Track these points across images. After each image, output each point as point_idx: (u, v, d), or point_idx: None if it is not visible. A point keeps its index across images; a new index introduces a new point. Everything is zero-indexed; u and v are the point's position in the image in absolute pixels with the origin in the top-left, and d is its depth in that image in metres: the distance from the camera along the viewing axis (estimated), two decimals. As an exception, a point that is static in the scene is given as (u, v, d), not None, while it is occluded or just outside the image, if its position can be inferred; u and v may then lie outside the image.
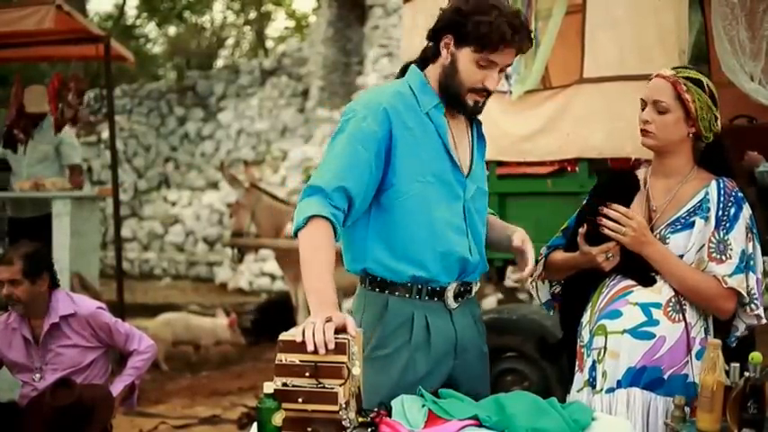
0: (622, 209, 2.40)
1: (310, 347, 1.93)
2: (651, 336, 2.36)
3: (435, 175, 2.32)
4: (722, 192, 2.40)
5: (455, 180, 2.36)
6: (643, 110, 2.47)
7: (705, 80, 2.43)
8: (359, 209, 2.27)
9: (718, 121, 2.44)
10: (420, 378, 2.32)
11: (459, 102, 2.32)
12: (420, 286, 2.35)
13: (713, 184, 2.41)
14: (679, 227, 2.42)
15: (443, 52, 2.31)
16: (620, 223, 2.39)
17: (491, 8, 2.24)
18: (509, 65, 2.33)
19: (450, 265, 2.36)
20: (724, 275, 2.33)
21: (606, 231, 2.40)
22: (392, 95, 2.33)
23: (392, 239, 2.33)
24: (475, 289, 2.49)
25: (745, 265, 2.35)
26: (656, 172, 2.52)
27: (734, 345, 2.40)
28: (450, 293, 2.39)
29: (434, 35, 2.34)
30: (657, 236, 2.42)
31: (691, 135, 2.43)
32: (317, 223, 2.15)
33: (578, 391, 2.50)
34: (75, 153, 6.38)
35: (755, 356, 2.07)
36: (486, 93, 2.32)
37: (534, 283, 2.71)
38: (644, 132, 2.46)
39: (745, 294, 2.34)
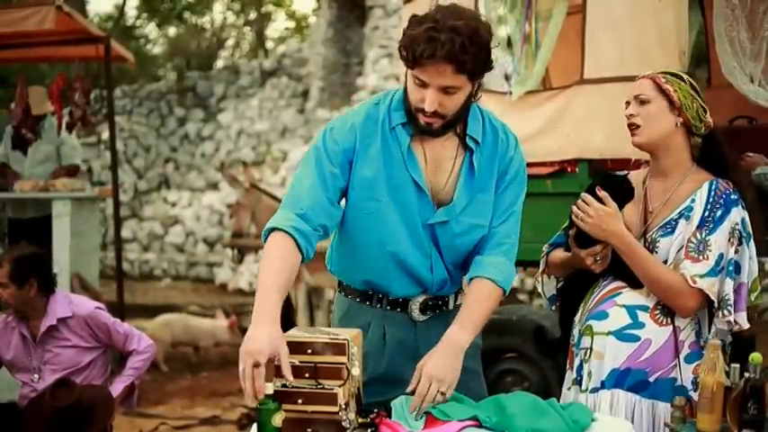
0: (586, 195, 2.40)
1: (249, 401, 1.87)
2: (636, 338, 2.36)
3: (391, 194, 2.24)
4: (713, 193, 2.37)
5: (417, 200, 2.25)
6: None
7: (684, 75, 2.45)
8: (334, 218, 2.25)
9: (707, 113, 2.42)
10: (371, 383, 2.25)
11: (414, 122, 2.20)
12: (381, 295, 2.33)
13: (705, 185, 2.39)
14: (669, 230, 2.40)
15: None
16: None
17: (427, 22, 2.06)
18: (449, 86, 2.11)
19: (402, 273, 2.29)
20: (694, 275, 2.30)
21: (573, 218, 2.41)
22: (366, 113, 2.29)
23: (346, 248, 2.35)
24: (453, 302, 2.38)
25: (721, 270, 2.32)
26: (654, 173, 2.50)
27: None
28: (415, 306, 2.33)
29: None
30: (649, 239, 2.41)
31: (679, 125, 2.40)
32: (274, 236, 2.14)
33: (567, 389, 2.51)
34: (76, 153, 6.38)
35: (755, 357, 2.06)
36: (436, 114, 2.14)
37: (540, 278, 2.71)
38: (632, 129, 2.44)
39: (715, 299, 2.31)
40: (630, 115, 2.43)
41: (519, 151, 2.39)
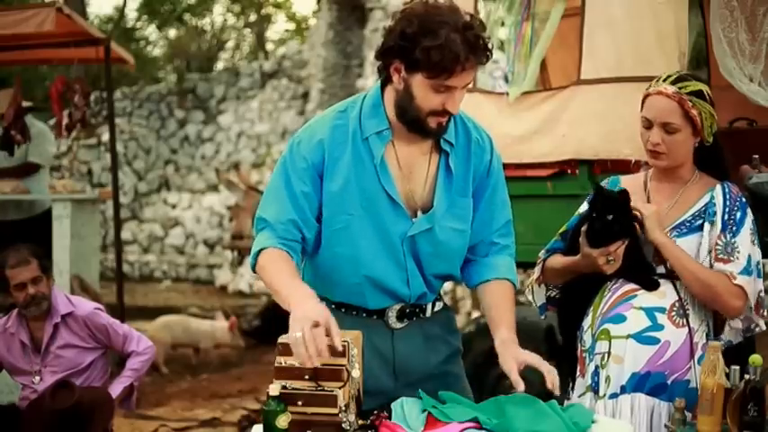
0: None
1: (307, 363, 1.88)
2: (656, 341, 2.34)
3: (364, 207, 2.18)
4: (728, 196, 2.39)
5: (393, 213, 2.19)
6: (647, 128, 2.40)
7: (704, 88, 2.38)
8: (310, 237, 2.22)
9: (716, 121, 2.41)
10: None
11: (421, 127, 2.14)
12: (356, 304, 2.28)
13: (718, 188, 2.40)
14: (684, 230, 2.39)
15: (395, 77, 2.12)
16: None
17: (439, 26, 2.01)
18: (469, 83, 2.12)
19: (377, 290, 2.24)
20: (732, 272, 2.31)
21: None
22: (332, 123, 2.22)
23: (319, 268, 2.29)
24: (431, 309, 2.33)
25: (752, 271, 2.33)
26: (657, 177, 2.49)
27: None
28: (392, 313, 2.28)
29: (382, 58, 2.15)
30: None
31: (696, 143, 2.41)
32: (266, 252, 2.15)
33: (580, 396, 2.47)
34: (37, 152, 6.17)
35: (755, 359, 2.07)
36: (448, 113, 2.12)
37: (531, 287, 2.68)
38: (655, 154, 2.40)
39: (752, 298, 2.32)
40: (656, 143, 2.38)
41: (495, 150, 2.35)
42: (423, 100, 2.10)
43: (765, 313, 2.36)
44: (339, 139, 2.20)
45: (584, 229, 2.44)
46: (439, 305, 2.37)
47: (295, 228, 2.17)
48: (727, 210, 2.37)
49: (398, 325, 2.29)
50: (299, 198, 2.18)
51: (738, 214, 2.36)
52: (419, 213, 2.23)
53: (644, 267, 2.41)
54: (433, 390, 2.21)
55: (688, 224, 2.40)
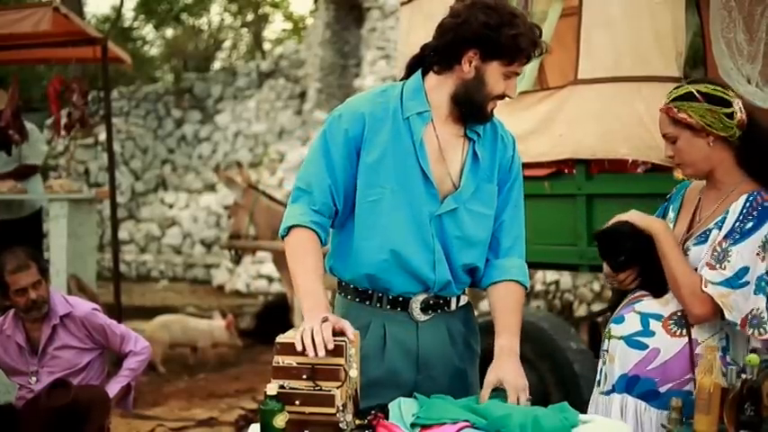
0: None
1: (310, 353, 1.93)
2: (643, 346, 2.36)
3: (399, 182, 2.25)
4: (748, 204, 2.30)
5: (425, 191, 2.27)
6: None
7: (693, 88, 2.34)
8: (342, 209, 2.30)
9: (735, 114, 2.31)
10: (369, 386, 2.21)
11: (482, 112, 2.27)
12: (380, 294, 2.31)
13: (743, 197, 2.32)
14: (702, 239, 2.36)
15: (465, 66, 2.21)
16: None
17: (514, 18, 2.18)
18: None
19: (402, 270, 2.27)
20: (707, 280, 2.27)
21: None
22: (373, 100, 2.31)
23: (348, 241, 2.32)
24: (456, 303, 2.37)
25: (743, 284, 2.25)
26: (708, 184, 2.45)
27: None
28: (415, 305, 2.30)
29: (452, 49, 2.22)
30: (684, 248, 2.38)
31: (712, 143, 2.34)
32: (296, 233, 2.23)
33: (594, 390, 2.55)
34: (33, 153, 6.20)
35: (752, 358, 2.07)
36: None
37: None
38: (676, 166, 2.48)
39: (727, 310, 2.24)
40: (669, 156, 2.43)
41: (516, 151, 2.46)
42: (493, 86, 2.23)
43: (756, 333, 2.24)
44: (379, 114, 2.28)
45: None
46: (464, 299, 2.41)
47: (331, 198, 2.26)
48: (740, 218, 2.29)
49: (423, 317, 2.32)
50: (337, 168, 2.26)
51: (749, 224, 2.27)
52: (448, 197, 2.31)
53: (657, 274, 2.40)
54: (451, 388, 2.26)
55: (707, 233, 2.36)
